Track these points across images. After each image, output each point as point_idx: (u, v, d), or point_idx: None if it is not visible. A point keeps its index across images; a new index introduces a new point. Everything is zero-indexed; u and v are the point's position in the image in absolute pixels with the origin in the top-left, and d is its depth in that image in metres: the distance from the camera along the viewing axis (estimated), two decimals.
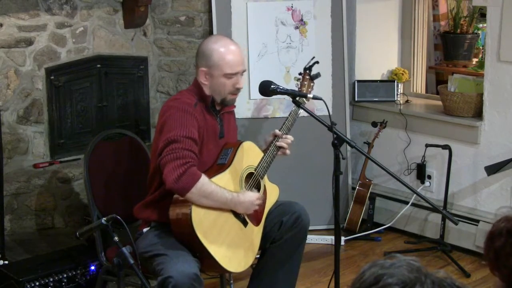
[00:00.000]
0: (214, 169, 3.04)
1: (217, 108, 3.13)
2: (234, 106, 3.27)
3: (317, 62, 3.45)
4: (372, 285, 1.19)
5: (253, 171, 3.13)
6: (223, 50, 3.07)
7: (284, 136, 3.20)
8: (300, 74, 3.45)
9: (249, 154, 3.16)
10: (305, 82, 3.39)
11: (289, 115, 3.25)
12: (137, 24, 4.57)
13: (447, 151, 4.25)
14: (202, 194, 2.85)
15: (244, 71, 3.13)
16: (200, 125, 2.98)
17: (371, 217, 4.58)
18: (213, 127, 3.09)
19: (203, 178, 2.86)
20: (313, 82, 3.42)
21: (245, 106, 4.38)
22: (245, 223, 3.06)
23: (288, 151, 3.22)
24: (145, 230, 3.06)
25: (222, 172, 3.01)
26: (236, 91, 3.11)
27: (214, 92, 3.09)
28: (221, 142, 3.14)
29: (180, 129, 2.90)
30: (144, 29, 4.64)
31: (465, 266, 4.04)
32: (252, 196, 3.03)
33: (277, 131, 3.21)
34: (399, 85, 4.78)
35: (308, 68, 3.42)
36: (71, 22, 4.23)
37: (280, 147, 3.18)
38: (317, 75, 3.41)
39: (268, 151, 3.16)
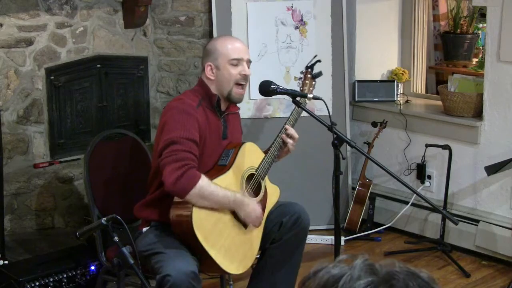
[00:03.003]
0: (215, 170, 3.03)
1: (222, 108, 3.11)
2: (239, 108, 3.25)
3: (319, 61, 3.41)
4: None
5: (254, 172, 3.12)
6: (226, 40, 3.12)
7: (290, 131, 3.16)
8: (301, 72, 3.42)
9: (251, 155, 3.14)
10: (307, 81, 3.36)
11: (293, 110, 3.22)
12: (137, 24, 4.57)
13: (447, 151, 4.25)
14: (202, 196, 2.84)
15: (249, 61, 3.11)
16: (202, 126, 2.96)
17: (371, 217, 4.57)
18: (217, 128, 3.07)
19: (202, 179, 2.84)
20: (315, 81, 3.38)
21: (245, 106, 4.37)
22: (245, 225, 3.05)
23: (291, 147, 3.18)
24: (144, 229, 3.05)
25: (223, 173, 2.99)
26: (243, 79, 3.06)
27: (221, 86, 3.05)
28: (224, 143, 3.11)
29: (180, 130, 2.88)
30: (144, 29, 4.64)
31: (465, 266, 4.04)
32: (257, 208, 3.02)
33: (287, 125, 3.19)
34: (399, 85, 4.77)
35: (310, 67, 3.39)
36: (71, 22, 4.23)
37: (284, 142, 3.16)
38: (319, 74, 3.37)
39: (270, 152, 3.15)
